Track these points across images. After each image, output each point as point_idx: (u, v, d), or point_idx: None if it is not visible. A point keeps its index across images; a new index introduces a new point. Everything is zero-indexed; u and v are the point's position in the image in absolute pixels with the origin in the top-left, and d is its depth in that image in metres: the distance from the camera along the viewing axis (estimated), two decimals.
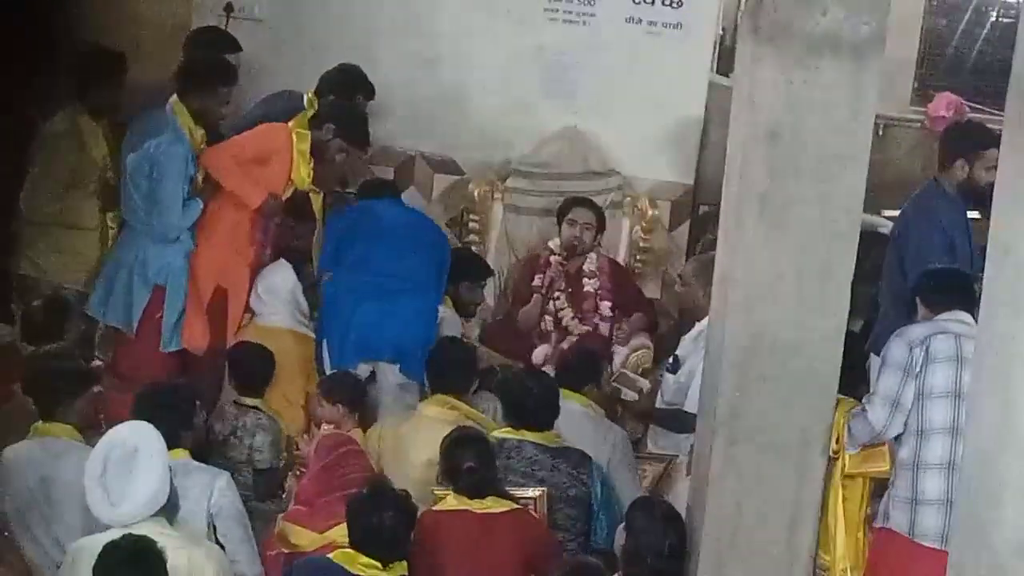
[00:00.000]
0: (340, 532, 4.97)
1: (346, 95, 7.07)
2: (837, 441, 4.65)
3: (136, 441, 4.64)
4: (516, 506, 5.12)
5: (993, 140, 5.85)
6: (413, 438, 5.72)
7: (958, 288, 5.00)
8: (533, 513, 5.20)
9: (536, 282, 7.23)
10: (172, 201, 6.37)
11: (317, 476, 5.41)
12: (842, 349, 4.53)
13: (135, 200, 6.46)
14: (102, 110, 6.75)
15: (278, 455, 6.02)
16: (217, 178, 6.45)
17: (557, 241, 7.29)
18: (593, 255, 7.27)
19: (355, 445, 5.60)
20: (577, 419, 5.72)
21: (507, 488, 5.22)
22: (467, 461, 5.08)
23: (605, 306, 7.22)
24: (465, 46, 7.78)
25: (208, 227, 6.48)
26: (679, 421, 5.93)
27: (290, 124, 6.51)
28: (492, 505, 5.06)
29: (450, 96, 7.52)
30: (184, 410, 5.23)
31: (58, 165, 6.68)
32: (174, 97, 6.50)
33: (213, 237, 6.48)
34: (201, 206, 6.43)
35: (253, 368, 6.13)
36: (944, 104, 8.31)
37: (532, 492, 5.27)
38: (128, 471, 4.57)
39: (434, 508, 5.12)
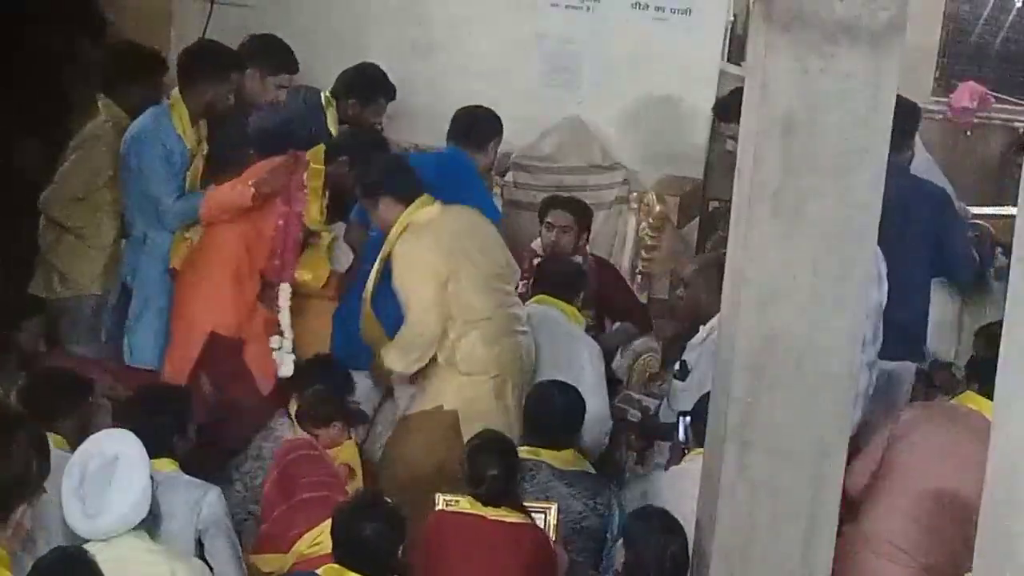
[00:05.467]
0: (305, 543, 5.04)
1: (365, 97, 7.05)
2: None
3: (116, 449, 4.65)
4: (528, 520, 5.17)
5: None
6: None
7: None
8: (542, 527, 5.23)
9: (520, 290, 6.79)
10: (156, 178, 6.15)
11: (273, 484, 5.40)
12: (859, 351, 4.55)
13: (129, 205, 6.38)
14: (133, 111, 6.52)
15: None
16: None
17: (539, 242, 7.03)
18: (579, 259, 6.95)
19: (311, 450, 5.51)
20: (552, 325, 5.78)
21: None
22: (491, 469, 5.14)
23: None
24: (462, 33, 7.83)
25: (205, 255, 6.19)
26: None
27: (307, 155, 6.16)
28: (505, 515, 5.12)
29: (446, 86, 7.54)
30: (174, 415, 5.22)
31: (90, 162, 6.58)
32: (175, 92, 6.31)
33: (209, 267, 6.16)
34: (200, 197, 6.16)
35: None
36: (968, 94, 8.36)
37: (545, 504, 5.33)
38: (107, 481, 4.58)
39: (445, 509, 5.18)
